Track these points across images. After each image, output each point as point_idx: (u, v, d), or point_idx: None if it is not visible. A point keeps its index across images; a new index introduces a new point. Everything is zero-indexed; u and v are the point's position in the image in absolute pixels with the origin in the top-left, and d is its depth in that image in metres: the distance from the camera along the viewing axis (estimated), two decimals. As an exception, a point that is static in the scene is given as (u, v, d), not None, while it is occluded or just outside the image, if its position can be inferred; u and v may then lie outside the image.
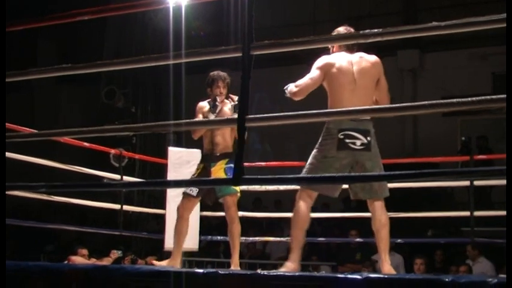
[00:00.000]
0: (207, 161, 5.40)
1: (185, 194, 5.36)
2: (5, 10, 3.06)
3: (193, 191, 5.28)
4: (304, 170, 4.29)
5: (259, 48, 2.73)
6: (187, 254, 7.84)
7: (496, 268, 7.73)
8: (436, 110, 2.65)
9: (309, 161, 4.29)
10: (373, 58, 4.39)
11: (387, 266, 4.15)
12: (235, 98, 5.29)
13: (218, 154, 5.34)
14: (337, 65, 4.26)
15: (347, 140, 4.16)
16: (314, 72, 4.28)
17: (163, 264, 5.30)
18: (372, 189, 4.28)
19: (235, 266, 5.26)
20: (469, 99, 2.37)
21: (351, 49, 4.34)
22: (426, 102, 2.75)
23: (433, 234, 9.27)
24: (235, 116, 4.61)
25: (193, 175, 5.44)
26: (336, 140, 4.16)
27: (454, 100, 2.47)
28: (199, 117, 5.38)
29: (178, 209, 5.41)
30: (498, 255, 7.66)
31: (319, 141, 4.27)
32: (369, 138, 4.22)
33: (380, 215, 4.26)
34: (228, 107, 5.35)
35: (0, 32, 3.03)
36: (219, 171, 5.29)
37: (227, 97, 5.40)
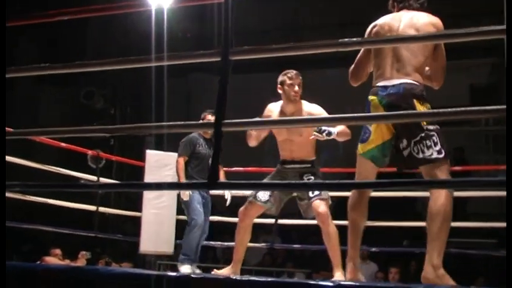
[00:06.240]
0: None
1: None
2: (5, 9, 3.03)
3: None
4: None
5: (238, 53, 2.74)
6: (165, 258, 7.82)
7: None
8: (415, 120, 2.67)
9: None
10: None
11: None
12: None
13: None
14: None
15: None
16: None
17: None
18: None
19: None
20: (448, 109, 2.36)
21: None
22: (404, 112, 2.78)
23: (408, 244, 9.32)
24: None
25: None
26: None
27: (435, 110, 2.49)
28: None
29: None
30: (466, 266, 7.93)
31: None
32: None
33: None
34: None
35: (0, 32, 3.00)
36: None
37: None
